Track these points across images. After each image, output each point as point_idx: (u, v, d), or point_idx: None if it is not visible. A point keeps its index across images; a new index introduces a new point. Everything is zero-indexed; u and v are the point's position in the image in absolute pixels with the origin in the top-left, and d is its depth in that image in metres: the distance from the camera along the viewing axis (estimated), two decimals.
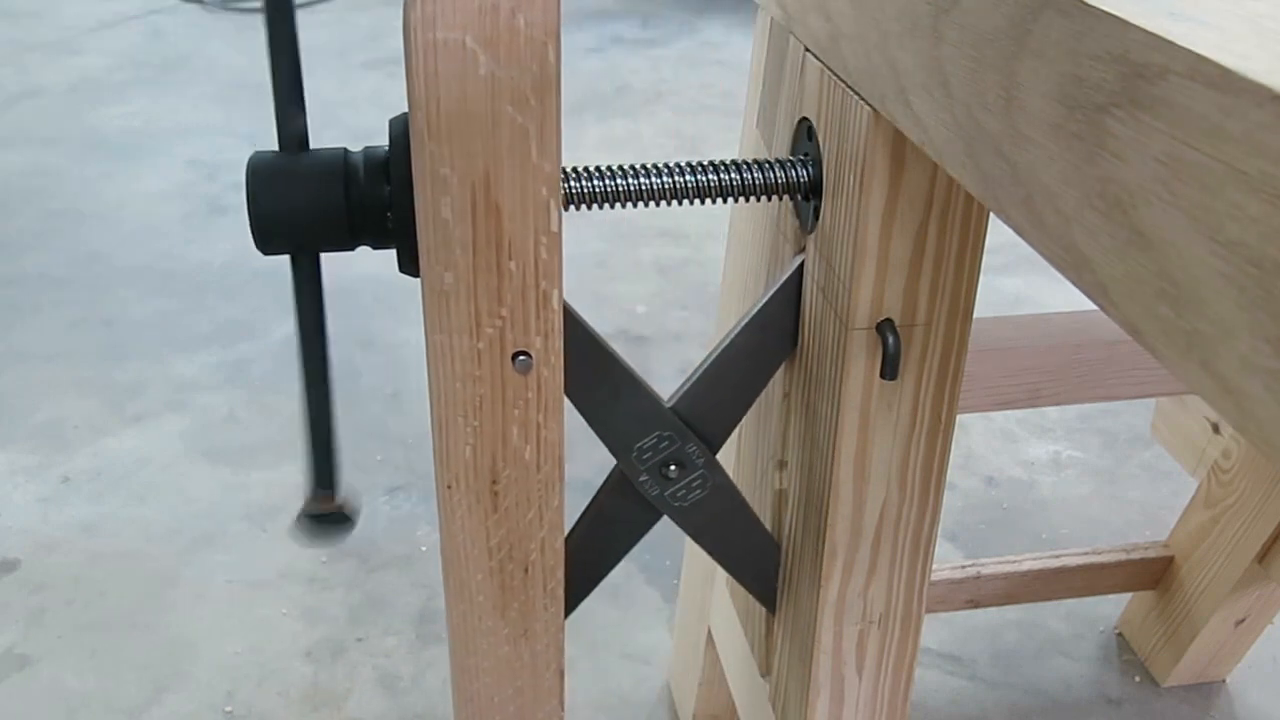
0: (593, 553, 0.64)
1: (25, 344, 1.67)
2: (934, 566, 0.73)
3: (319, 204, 0.49)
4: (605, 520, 0.63)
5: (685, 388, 0.59)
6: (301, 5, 3.26)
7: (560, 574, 0.58)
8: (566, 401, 0.55)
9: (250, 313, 1.77)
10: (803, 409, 0.62)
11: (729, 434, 0.62)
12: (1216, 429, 1.05)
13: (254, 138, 2.39)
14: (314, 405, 0.51)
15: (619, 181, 0.53)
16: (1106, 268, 0.31)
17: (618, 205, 0.54)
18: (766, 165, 0.55)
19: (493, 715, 0.63)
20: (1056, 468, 1.47)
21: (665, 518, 0.63)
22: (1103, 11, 0.30)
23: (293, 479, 1.40)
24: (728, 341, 0.59)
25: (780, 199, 0.57)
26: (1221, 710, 1.13)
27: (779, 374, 0.64)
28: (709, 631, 0.93)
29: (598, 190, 0.53)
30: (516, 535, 0.56)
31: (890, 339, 0.53)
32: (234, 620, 1.20)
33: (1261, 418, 0.26)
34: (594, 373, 0.56)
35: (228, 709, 1.09)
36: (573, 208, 0.53)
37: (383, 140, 0.50)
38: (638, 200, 0.54)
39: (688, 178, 0.54)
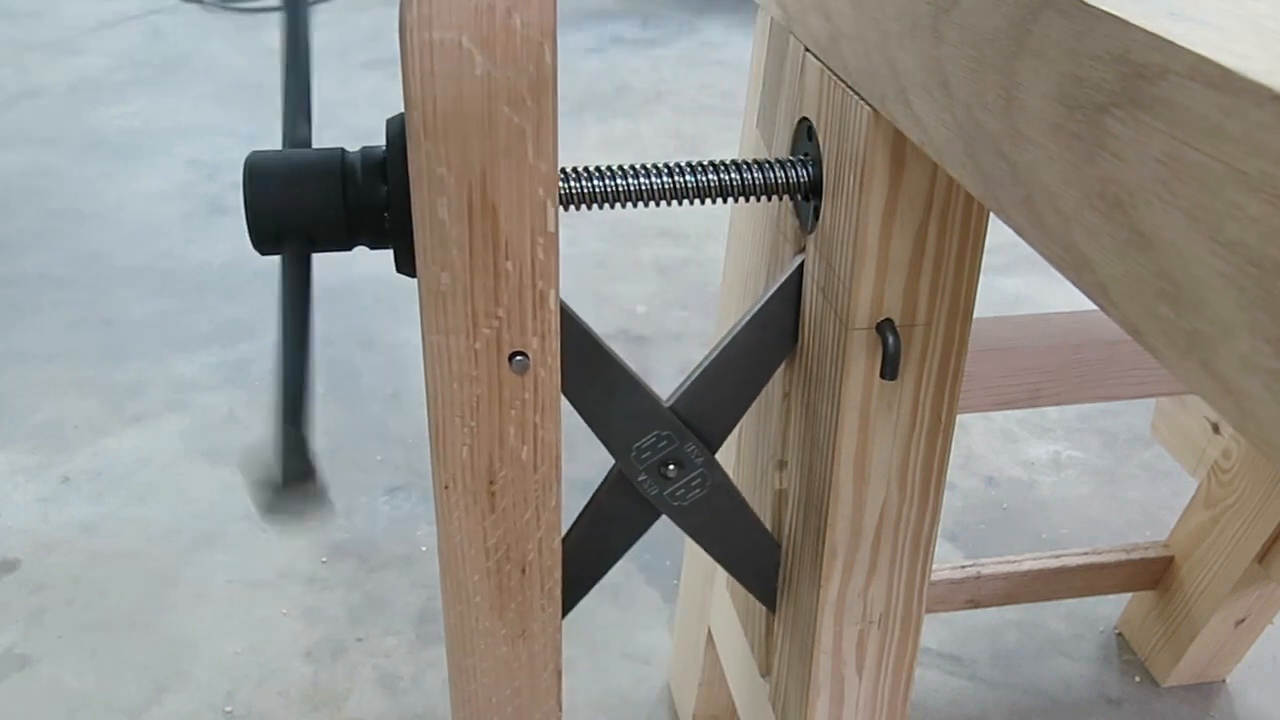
0: (591, 552, 0.64)
1: (25, 344, 1.67)
2: (934, 566, 0.73)
3: (316, 204, 0.49)
4: (604, 520, 0.63)
5: (684, 387, 0.59)
6: None
7: (557, 574, 0.58)
8: (565, 401, 0.55)
9: (250, 313, 1.77)
10: (803, 409, 0.62)
11: (728, 433, 0.62)
12: (1216, 429, 1.05)
13: (254, 138, 2.39)
14: (290, 370, 0.48)
15: (618, 181, 0.53)
16: (1106, 268, 0.31)
17: (617, 205, 0.54)
18: (766, 165, 0.55)
19: (490, 715, 0.63)
20: (1056, 468, 1.47)
21: (665, 518, 0.63)
22: (1103, 11, 0.30)
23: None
24: (727, 341, 0.59)
25: (780, 199, 0.57)
26: (1221, 710, 1.13)
27: (779, 374, 0.64)
28: (709, 631, 0.92)
29: (597, 190, 0.53)
30: (514, 536, 0.56)
31: (890, 339, 0.53)
32: (234, 620, 1.20)
33: (1261, 418, 0.25)
34: (592, 372, 0.56)
35: (228, 709, 1.09)
36: (572, 208, 0.53)
37: (382, 140, 0.50)
38: (637, 200, 0.54)
39: (688, 178, 0.54)
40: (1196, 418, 1.07)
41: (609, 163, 0.54)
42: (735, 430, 0.63)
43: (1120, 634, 1.21)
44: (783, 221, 0.62)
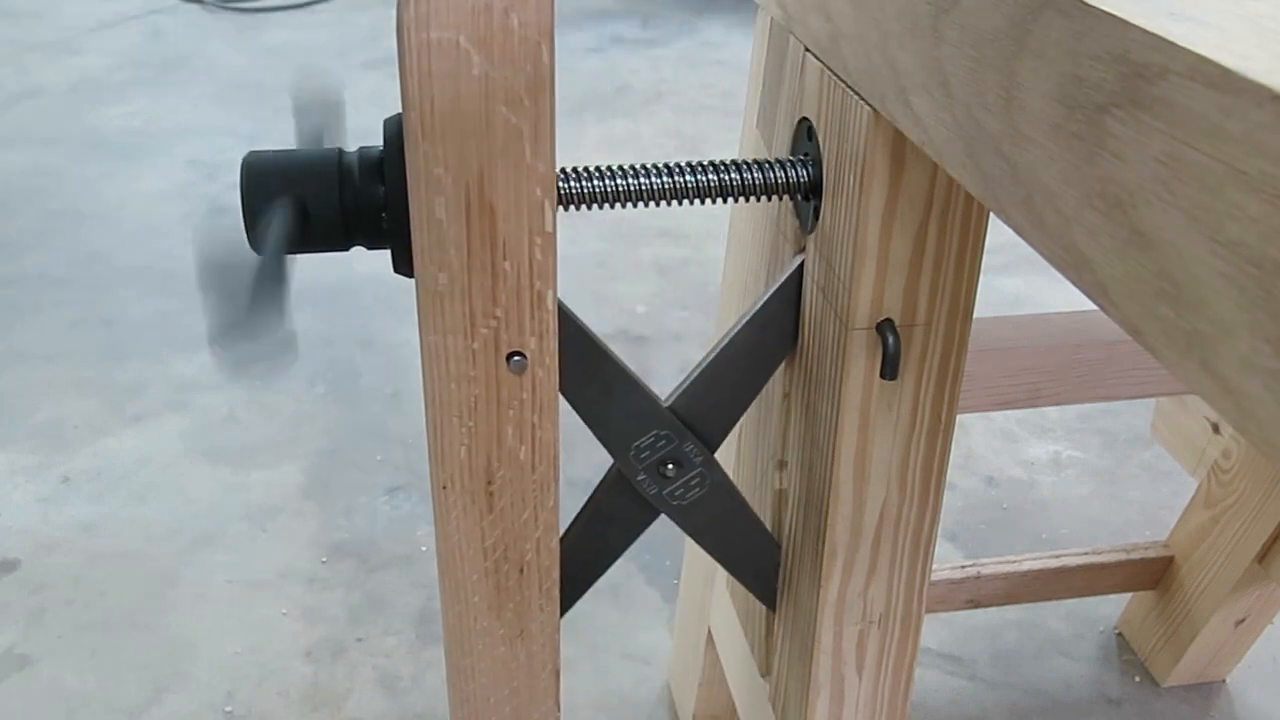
0: (589, 552, 0.64)
1: (25, 344, 1.67)
2: (934, 566, 0.73)
3: (314, 204, 0.49)
4: (602, 519, 0.63)
5: (684, 387, 0.59)
6: (301, 5, 3.26)
7: (556, 574, 0.58)
8: (564, 401, 0.55)
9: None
10: (803, 409, 0.62)
11: (727, 433, 0.62)
12: (1216, 429, 1.04)
13: (254, 138, 2.39)
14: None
15: (618, 181, 0.53)
16: (1106, 268, 0.31)
17: (617, 205, 0.54)
18: (766, 165, 0.55)
19: (489, 716, 0.63)
20: (1056, 468, 1.47)
21: (665, 519, 0.63)
22: (1103, 11, 0.30)
23: (293, 479, 1.40)
24: (727, 341, 0.59)
25: (780, 199, 0.57)
26: (1221, 710, 1.13)
27: (779, 374, 0.64)
28: (709, 631, 0.92)
29: (597, 190, 0.53)
30: (512, 536, 0.56)
31: (890, 339, 0.53)
32: (234, 620, 1.19)
33: (1261, 418, 0.25)
34: (590, 372, 0.56)
35: (228, 709, 1.09)
36: (572, 208, 0.53)
37: (380, 140, 0.50)
38: (637, 200, 0.54)
39: (687, 178, 0.54)
40: (1196, 418, 1.07)
41: (609, 163, 0.54)
42: (735, 430, 0.63)
43: (1120, 634, 1.21)
44: (783, 221, 0.62)
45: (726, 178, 0.54)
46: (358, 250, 0.52)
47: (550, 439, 0.53)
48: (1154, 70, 0.28)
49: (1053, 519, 1.38)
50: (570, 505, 0.60)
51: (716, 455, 0.61)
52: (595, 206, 0.53)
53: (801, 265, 0.59)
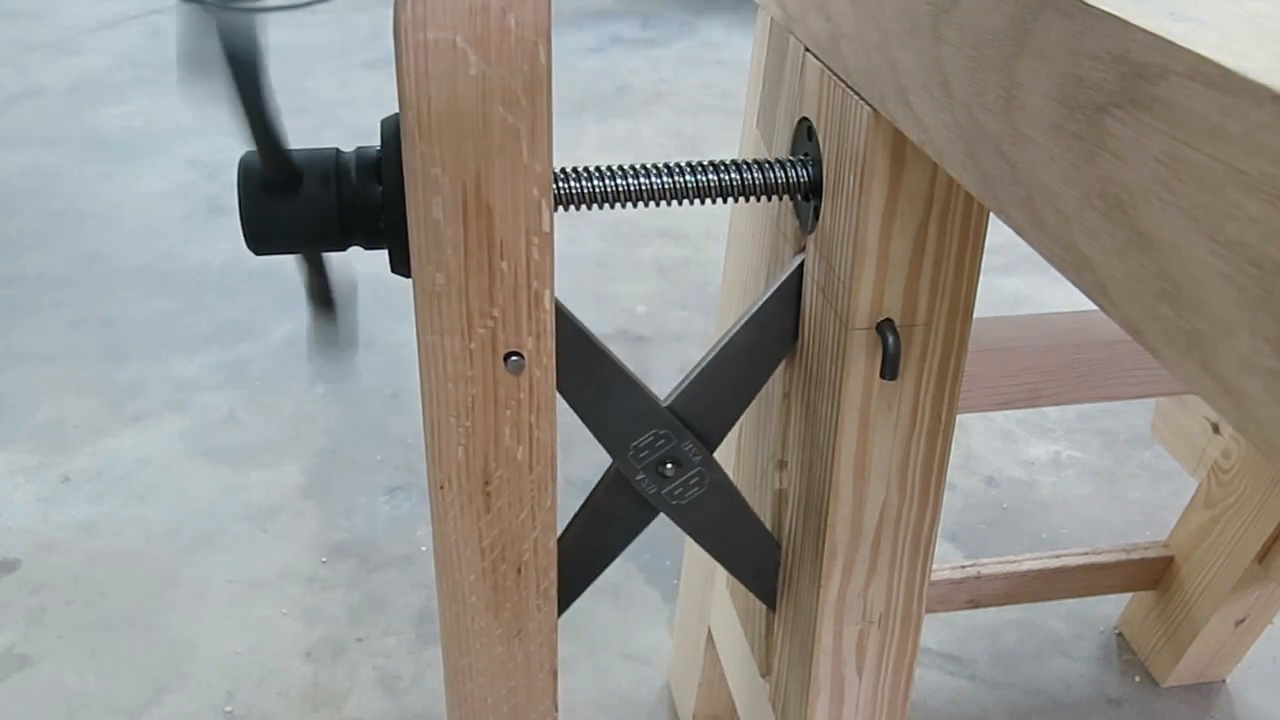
0: (588, 552, 0.63)
1: (25, 344, 1.67)
2: (934, 566, 0.73)
3: (311, 204, 0.48)
4: (601, 519, 0.63)
5: (683, 386, 0.59)
6: (301, 5, 3.26)
7: (553, 574, 0.58)
8: (562, 401, 0.54)
9: (250, 313, 1.76)
10: (803, 409, 0.62)
11: (727, 433, 0.61)
12: (1216, 429, 1.04)
13: None
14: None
15: (618, 181, 0.53)
16: (1106, 268, 0.31)
17: (617, 205, 0.54)
18: (766, 165, 0.55)
19: (486, 715, 0.63)
20: (1056, 468, 1.47)
21: (665, 519, 0.63)
22: (1103, 11, 0.30)
23: (293, 479, 1.40)
24: (726, 341, 0.59)
25: (780, 199, 0.57)
26: (1221, 710, 1.12)
27: (779, 374, 0.64)
28: (709, 631, 0.92)
29: (597, 190, 0.53)
30: (509, 536, 0.56)
31: (890, 339, 0.53)
32: (234, 620, 1.19)
33: (1261, 418, 0.25)
34: (588, 372, 0.56)
35: (228, 709, 1.09)
36: (572, 208, 0.53)
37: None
38: (637, 200, 0.54)
39: (687, 178, 0.54)
40: (1196, 418, 1.07)
41: (609, 163, 0.54)
42: (735, 430, 0.63)
43: (1120, 634, 1.21)
44: (783, 221, 0.62)
45: (726, 178, 0.54)
46: (356, 250, 0.52)
47: (548, 439, 0.53)
48: (1154, 70, 0.28)
49: (1053, 519, 1.38)
50: (568, 505, 0.60)
51: (716, 455, 0.61)
52: (595, 206, 0.53)
53: (801, 265, 0.59)
